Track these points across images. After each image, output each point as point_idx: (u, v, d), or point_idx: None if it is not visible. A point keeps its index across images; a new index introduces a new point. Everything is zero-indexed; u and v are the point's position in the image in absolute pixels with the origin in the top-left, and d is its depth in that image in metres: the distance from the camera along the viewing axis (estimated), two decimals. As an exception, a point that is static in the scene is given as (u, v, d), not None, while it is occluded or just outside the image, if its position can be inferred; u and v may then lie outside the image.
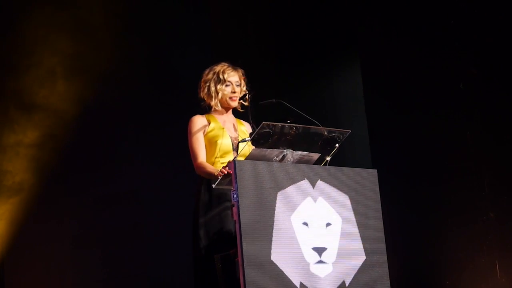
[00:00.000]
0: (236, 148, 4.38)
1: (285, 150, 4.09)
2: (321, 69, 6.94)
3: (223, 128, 4.41)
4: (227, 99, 4.43)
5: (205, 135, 4.38)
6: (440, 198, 5.71)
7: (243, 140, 4.16)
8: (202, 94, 4.47)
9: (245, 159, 4.05)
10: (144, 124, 6.83)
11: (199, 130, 4.38)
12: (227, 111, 4.48)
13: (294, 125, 4.05)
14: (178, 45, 6.73)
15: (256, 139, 3.99)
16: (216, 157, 4.34)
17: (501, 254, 5.36)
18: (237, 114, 4.58)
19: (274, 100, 4.36)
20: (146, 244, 6.74)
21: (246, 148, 4.23)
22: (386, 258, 4.17)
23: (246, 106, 4.51)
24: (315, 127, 4.14)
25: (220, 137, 4.37)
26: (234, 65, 4.49)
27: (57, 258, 7.12)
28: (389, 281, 4.14)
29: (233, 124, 4.49)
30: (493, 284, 5.37)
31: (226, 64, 4.49)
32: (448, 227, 5.64)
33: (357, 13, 6.33)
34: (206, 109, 4.50)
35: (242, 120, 4.57)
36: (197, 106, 4.50)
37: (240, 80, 4.47)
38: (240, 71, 4.49)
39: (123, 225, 6.83)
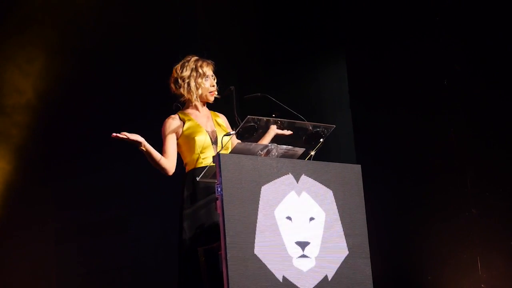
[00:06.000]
0: (215, 142, 4.37)
1: (269, 144, 4.10)
2: (306, 65, 6.95)
3: (199, 125, 4.39)
4: (207, 93, 4.42)
5: (181, 135, 4.36)
6: (423, 194, 5.73)
7: (228, 134, 4.16)
8: (181, 90, 4.41)
9: (230, 152, 4.05)
10: (128, 120, 6.81)
11: (171, 132, 4.35)
12: (203, 105, 4.47)
13: (279, 119, 4.06)
14: (165, 42, 6.71)
15: (240, 133, 3.99)
16: (196, 154, 4.34)
17: (483, 250, 5.39)
18: (216, 107, 4.56)
19: (259, 94, 4.36)
20: (131, 237, 6.73)
21: (229, 141, 4.23)
22: (368, 253, 4.19)
23: (218, 98, 4.48)
24: (300, 121, 4.15)
25: (197, 134, 4.35)
26: (203, 58, 4.46)
27: (42, 252, 7.09)
28: (371, 276, 4.16)
29: (209, 117, 4.48)
30: (474, 279, 5.41)
31: (196, 56, 4.45)
32: (430, 222, 5.67)
33: (343, 9, 6.34)
34: (179, 107, 4.46)
35: (216, 112, 4.55)
36: (178, 102, 4.47)
37: (213, 73, 4.46)
38: (211, 64, 4.47)
39: (108, 218, 6.82)
